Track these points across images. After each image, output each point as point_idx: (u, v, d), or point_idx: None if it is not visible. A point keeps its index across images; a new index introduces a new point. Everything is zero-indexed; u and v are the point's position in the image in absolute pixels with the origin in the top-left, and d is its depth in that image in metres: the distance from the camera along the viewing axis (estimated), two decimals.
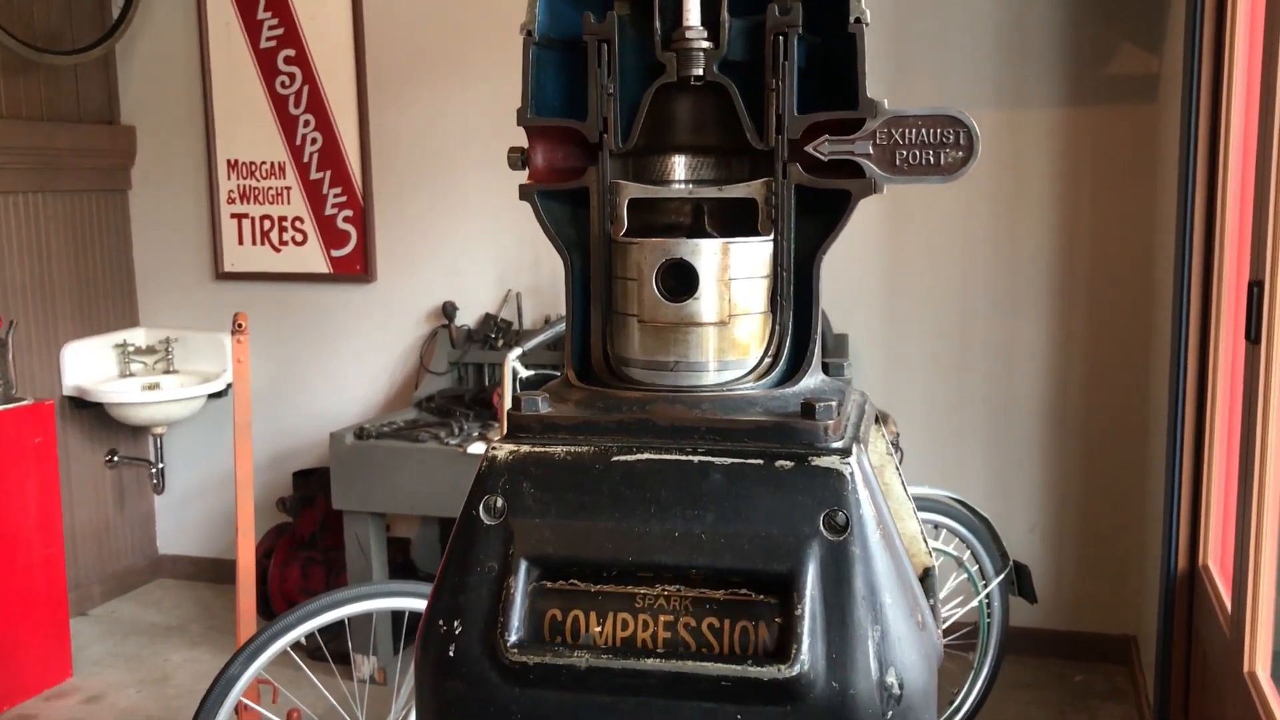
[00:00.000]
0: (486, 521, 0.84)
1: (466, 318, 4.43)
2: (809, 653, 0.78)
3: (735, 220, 0.93)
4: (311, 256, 4.66)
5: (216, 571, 4.80)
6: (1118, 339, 3.80)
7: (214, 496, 4.82)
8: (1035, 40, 3.69)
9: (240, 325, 3.12)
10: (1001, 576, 3.12)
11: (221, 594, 4.63)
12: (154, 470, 4.75)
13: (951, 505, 3.06)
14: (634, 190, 0.92)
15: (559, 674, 0.80)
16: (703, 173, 0.94)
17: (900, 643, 0.79)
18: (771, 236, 0.90)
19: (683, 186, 0.96)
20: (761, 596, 0.78)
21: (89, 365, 4.59)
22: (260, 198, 4.69)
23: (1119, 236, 3.75)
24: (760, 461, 0.82)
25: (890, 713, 0.78)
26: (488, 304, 4.43)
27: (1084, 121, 3.72)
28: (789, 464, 0.82)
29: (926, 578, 0.96)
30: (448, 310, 4.41)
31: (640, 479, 0.83)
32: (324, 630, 2.70)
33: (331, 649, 2.97)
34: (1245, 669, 2.29)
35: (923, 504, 2.98)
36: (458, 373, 4.32)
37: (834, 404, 0.84)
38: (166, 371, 4.74)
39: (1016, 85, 3.74)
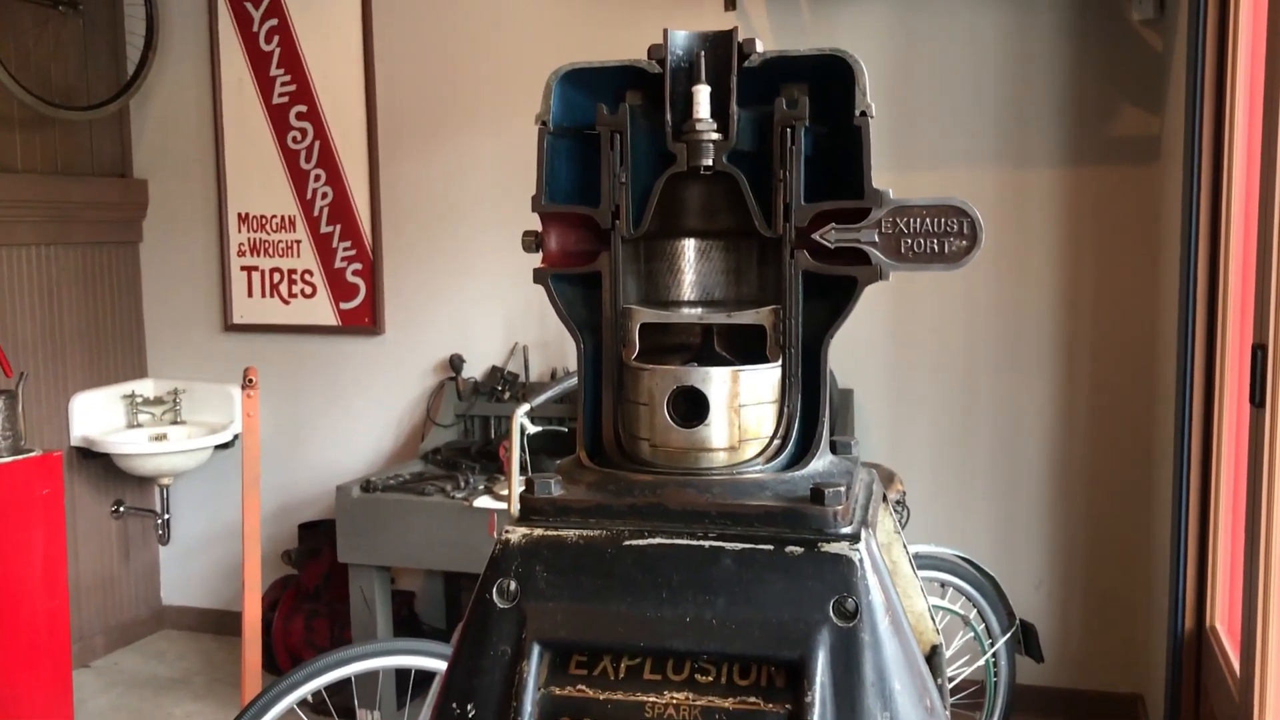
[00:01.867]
0: (500, 605, 0.86)
1: (473, 370, 4.46)
2: None
3: (744, 340, 0.96)
4: (320, 309, 4.70)
5: (221, 623, 4.79)
6: (1122, 398, 3.82)
7: (219, 548, 4.82)
8: (1037, 101, 3.74)
9: (251, 380, 3.14)
10: (1008, 635, 3.11)
11: (226, 646, 4.62)
12: (159, 521, 4.76)
13: (958, 563, 3.06)
14: (646, 315, 0.95)
15: None
16: (712, 263, 0.97)
17: None
18: (780, 362, 0.93)
19: (693, 311, 0.99)
20: (770, 705, 0.79)
21: (97, 416, 4.61)
22: (270, 250, 4.74)
23: (1122, 296, 3.77)
24: (770, 547, 0.84)
25: None
26: (494, 357, 4.46)
27: (1086, 181, 3.76)
28: (798, 550, 0.83)
29: (934, 656, 0.97)
30: (455, 363, 4.44)
31: (652, 563, 0.85)
32: (329, 687, 2.69)
33: (335, 703, 2.97)
34: None
35: (929, 562, 2.98)
36: (464, 425, 4.34)
37: (842, 489, 0.85)
38: (174, 422, 4.76)
39: (1019, 145, 3.78)
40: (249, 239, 4.75)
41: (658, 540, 0.85)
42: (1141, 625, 3.80)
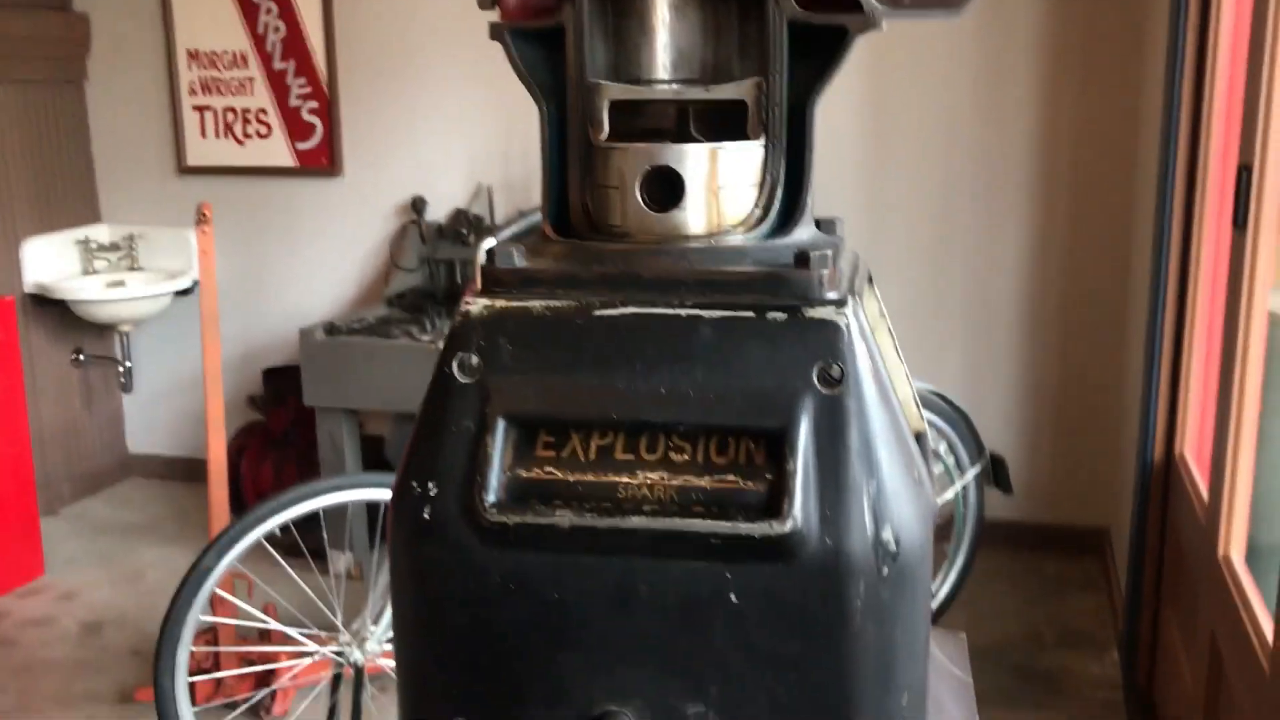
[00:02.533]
0: (461, 380, 0.80)
1: (437, 213, 4.35)
2: (801, 509, 0.75)
3: (724, 123, 0.88)
4: (277, 150, 4.55)
5: (189, 471, 4.77)
6: (1099, 230, 3.78)
7: (184, 396, 4.76)
8: None
9: (205, 215, 3.03)
10: (978, 468, 3.13)
11: (194, 494, 4.61)
12: (121, 369, 4.68)
13: (928, 397, 3.05)
14: (616, 91, 0.87)
15: (540, 534, 0.77)
16: (688, 22, 0.88)
17: (896, 498, 0.76)
18: (763, 141, 0.85)
19: (667, 87, 0.90)
20: (750, 483, 0.75)
21: (51, 262, 4.48)
22: (222, 89, 4.55)
23: (1104, 127, 3.69)
24: (751, 314, 0.78)
25: (886, 569, 0.75)
26: (458, 199, 4.34)
27: (1072, 3, 3.64)
28: (781, 316, 0.78)
29: (920, 440, 0.93)
30: (417, 205, 4.32)
31: (625, 334, 0.79)
32: (299, 526, 2.68)
33: (307, 544, 2.96)
34: (1220, 553, 2.30)
35: None
36: (429, 269, 4.25)
37: (829, 254, 0.79)
38: (131, 269, 4.65)
39: None
40: (199, 77, 4.56)
41: (631, 310, 0.79)
42: (1109, 459, 3.85)
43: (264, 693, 3.01)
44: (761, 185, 0.86)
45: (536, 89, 0.88)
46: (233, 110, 4.53)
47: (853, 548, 0.74)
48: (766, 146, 0.86)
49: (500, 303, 0.81)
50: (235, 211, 4.53)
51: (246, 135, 4.54)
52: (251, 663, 3.03)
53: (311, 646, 2.71)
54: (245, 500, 4.10)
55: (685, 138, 0.91)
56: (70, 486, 4.61)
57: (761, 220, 0.86)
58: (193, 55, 4.52)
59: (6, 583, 3.87)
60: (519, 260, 0.82)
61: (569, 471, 0.79)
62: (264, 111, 4.50)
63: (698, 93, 0.89)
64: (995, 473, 3.17)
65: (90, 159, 4.68)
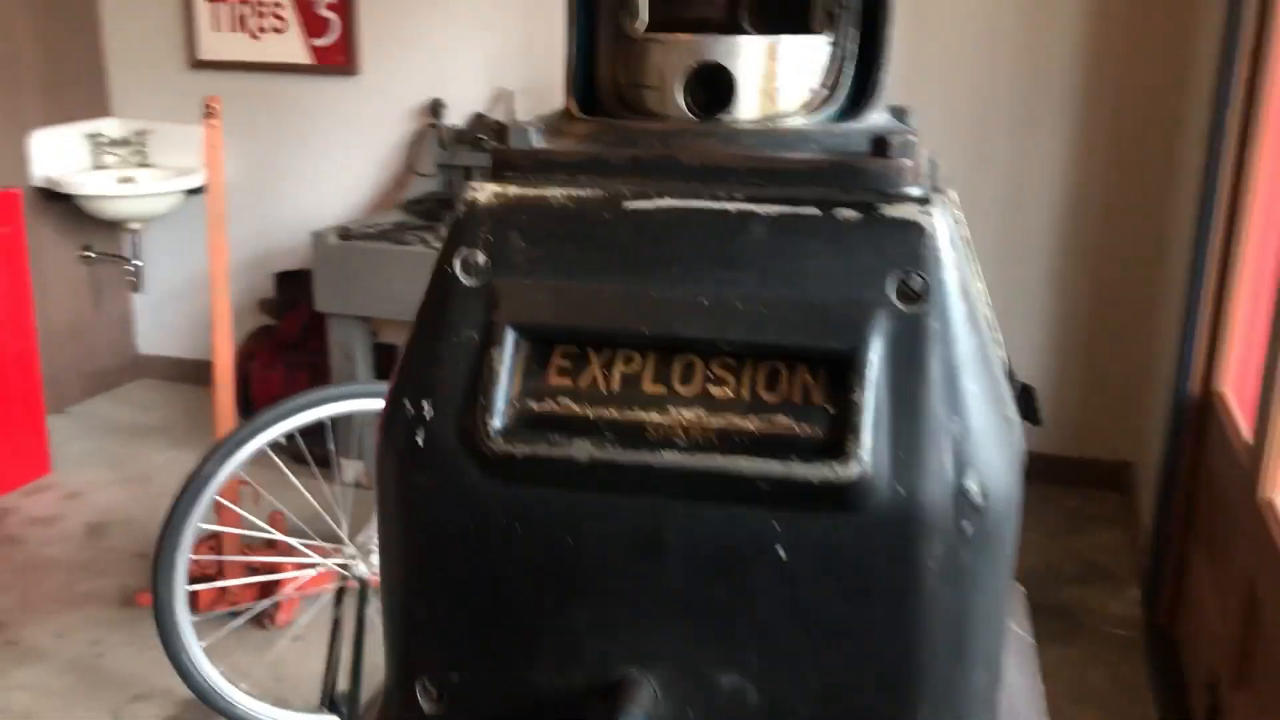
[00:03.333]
0: (465, 281, 0.67)
1: (455, 117, 4.17)
2: (870, 450, 0.62)
3: (780, 14, 0.72)
4: (292, 46, 4.36)
5: (199, 374, 4.66)
6: (1142, 148, 3.58)
7: (195, 298, 4.64)
8: None
9: (212, 109, 2.88)
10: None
11: (205, 397, 4.50)
12: (130, 267, 4.57)
13: None
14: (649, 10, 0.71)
15: (553, 468, 0.64)
16: None
17: (984, 440, 0.63)
18: (831, 37, 0.69)
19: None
20: (805, 427, 0.61)
21: (59, 155, 4.34)
22: None
23: (1155, 34, 3.47)
24: (816, 211, 0.64)
25: (968, 525, 0.62)
26: (478, 103, 4.16)
27: None
28: (853, 214, 0.64)
29: (1028, 399, 0.79)
30: (435, 108, 4.15)
31: (660, 231, 0.65)
32: (309, 434, 2.57)
33: (315, 454, 2.86)
34: (1261, 496, 2.18)
35: None
36: (446, 175, 4.09)
37: (912, 140, 0.65)
38: (141, 165, 4.51)
39: None
40: None
41: (668, 202, 0.65)
42: (1138, 392, 3.71)
43: (267, 603, 2.93)
44: (830, 60, 0.72)
45: None
46: (247, 3, 4.34)
47: (930, 498, 0.61)
48: (834, 11, 0.71)
49: (513, 190, 0.67)
50: (248, 109, 4.36)
51: (261, 29, 4.36)
52: (255, 571, 2.96)
53: (315, 558, 2.62)
54: (254, 406, 4.00)
55: (735, 29, 0.76)
56: (79, 385, 4.52)
57: (828, 100, 0.71)
58: None
59: (12, 480, 3.80)
60: (536, 140, 0.68)
61: (586, 405, 0.66)
62: (279, 4, 4.31)
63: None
64: (1024, 402, 3.06)
65: (101, 50, 4.51)
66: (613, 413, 0.65)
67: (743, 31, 0.75)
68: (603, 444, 0.64)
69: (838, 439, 0.62)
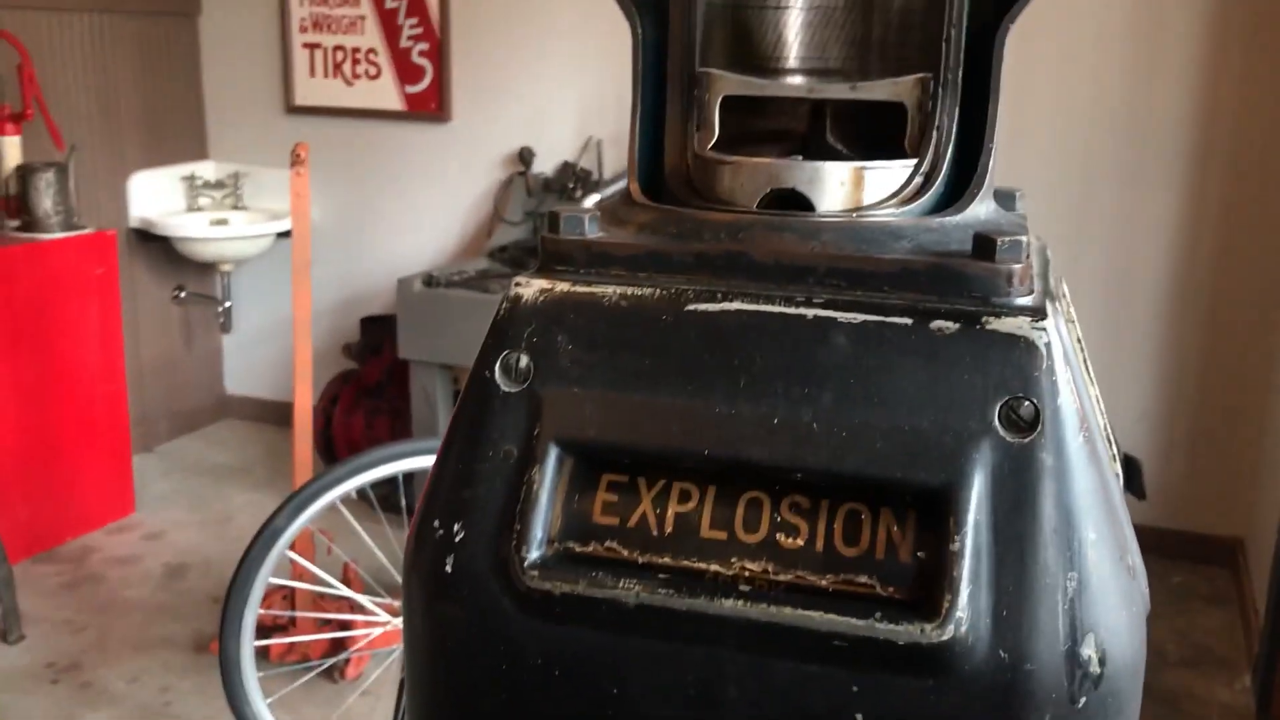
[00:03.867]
0: (505, 388, 0.59)
1: (544, 165, 4.15)
2: (969, 607, 0.52)
3: (871, 126, 0.63)
4: (385, 92, 4.40)
5: (284, 415, 4.69)
6: (1256, 213, 3.40)
7: (283, 339, 4.68)
8: None
9: (299, 157, 2.89)
10: None
11: (289, 439, 4.52)
12: (221, 308, 4.62)
13: None
14: (731, 85, 0.63)
15: (597, 609, 0.56)
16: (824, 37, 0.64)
17: (1103, 597, 0.53)
18: (925, 161, 0.60)
19: (800, 81, 0.66)
20: (889, 590, 0.52)
21: (156, 197, 4.43)
22: (333, 27, 4.42)
23: (1269, 96, 3.30)
24: (907, 320, 0.55)
25: (1084, 697, 0.52)
26: (567, 151, 4.14)
27: None
28: (951, 326, 0.55)
29: (1131, 471, 0.69)
30: (524, 156, 4.14)
31: (726, 338, 0.57)
32: (387, 482, 2.54)
33: (393, 502, 2.83)
34: None
35: None
36: (533, 223, 4.06)
37: (1023, 240, 0.56)
38: (235, 207, 4.57)
39: None
40: (310, 14, 4.43)
41: (736, 305, 0.57)
42: (1248, 463, 3.50)
43: (338, 658, 2.89)
44: (925, 142, 0.63)
45: (629, 3, 0.66)
46: (342, 49, 4.40)
47: (1038, 665, 0.52)
48: (936, 85, 0.63)
49: (562, 286, 0.59)
50: (341, 153, 4.40)
51: (355, 75, 4.41)
52: (326, 625, 2.92)
53: (384, 616, 2.57)
54: (335, 450, 4.00)
55: (820, 149, 0.68)
56: (167, 424, 4.58)
57: (924, 189, 0.62)
58: None
59: (97, 518, 3.84)
60: (591, 229, 0.61)
61: (636, 550, 0.58)
62: (374, 52, 4.36)
63: (839, 88, 0.65)
64: (1128, 475, 2.91)
65: (200, 94, 4.60)
66: (665, 559, 0.56)
67: (828, 149, 0.67)
68: (653, 587, 0.55)
69: (929, 593, 0.53)
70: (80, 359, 3.76)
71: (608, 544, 0.57)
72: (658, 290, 0.58)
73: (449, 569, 0.59)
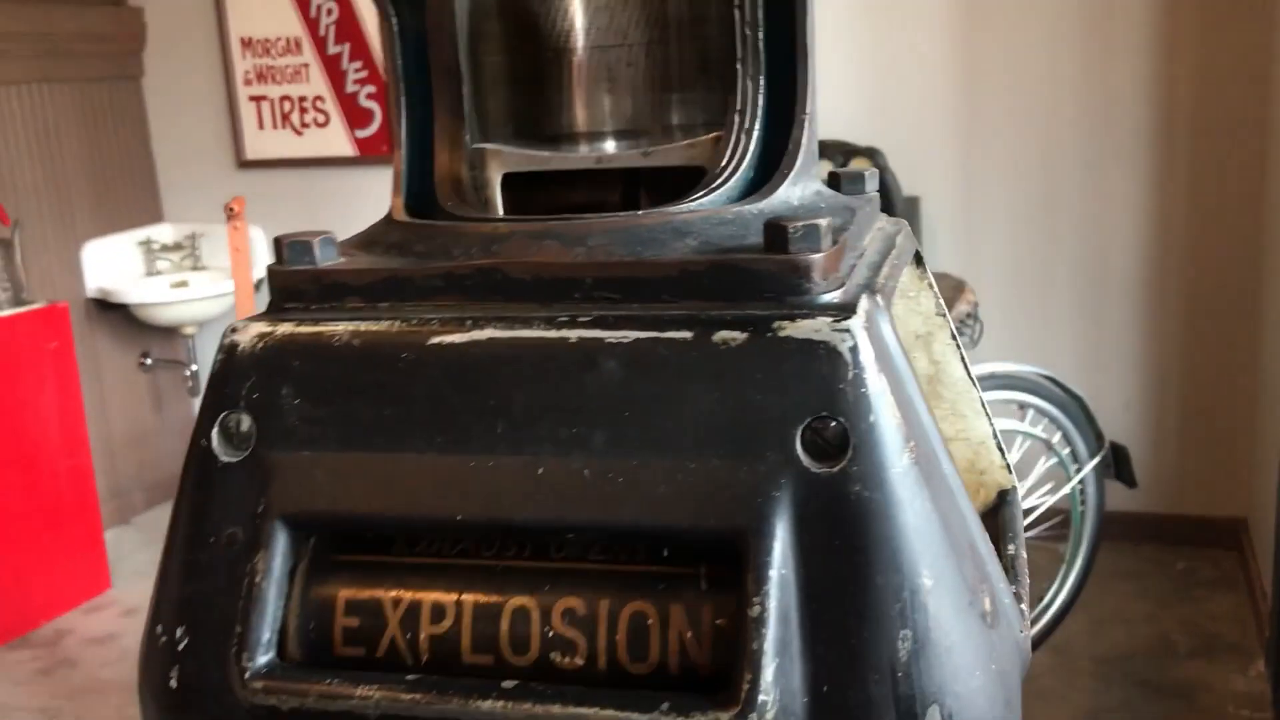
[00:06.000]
0: (224, 458, 0.49)
1: None
2: (776, 687, 0.41)
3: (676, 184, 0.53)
4: (335, 139, 4.33)
5: None
6: (1228, 187, 3.29)
7: None
8: None
9: (233, 210, 2.80)
10: (1097, 459, 2.74)
11: None
12: (189, 371, 4.53)
13: (1039, 381, 2.66)
14: (512, 162, 0.53)
15: None
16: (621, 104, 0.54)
17: (950, 657, 0.42)
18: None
19: (588, 150, 0.56)
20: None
21: (112, 264, 4.34)
22: (278, 77, 4.36)
23: (1232, 66, 3.21)
24: (686, 334, 0.44)
25: None
26: None
27: None
28: (738, 336, 0.44)
29: (1003, 506, 0.58)
30: None
31: (479, 375, 0.46)
32: None
33: None
34: None
35: (1005, 381, 2.58)
36: None
37: (822, 224, 0.46)
38: (195, 268, 4.48)
39: None
40: (254, 65, 4.36)
41: (489, 333, 0.46)
42: (1245, 442, 3.38)
43: None
44: (729, 125, 0.53)
45: None
46: (289, 99, 4.32)
47: None
48: (738, 68, 0.53)
49: (285, 328, 0.48)
50: (296, 204, 4.31)
51: (305, 124, 4.33)
52: None
53: None
54: None
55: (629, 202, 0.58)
56: (143, 494, 4.47)
57: (726, 175, 0.52)
58: (246, 43, 4.32)
59: (71, 598, 3.73)
60: (325, 256, 0.50)
61: (373, 648, 0.47)
62: (320, 99, 4.28)
63: (631, 157, 0.55)
64: (1116, 464, 2.81)
65: (150, 156, 4.52)
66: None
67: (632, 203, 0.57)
68: (397, 693, 0.45)
69: (726, 669, 0.42)
70: (40, 436, 3.66)
71: (348, 646, 0.46)
72: (396, 323, 0.48)
73: (174, 683, 0.48)
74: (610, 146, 0.57)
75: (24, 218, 3.85)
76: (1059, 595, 2.90)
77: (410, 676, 0.45)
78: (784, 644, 0.41)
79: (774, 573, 0.42)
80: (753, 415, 0.44)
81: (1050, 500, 2.78)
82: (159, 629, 0.49)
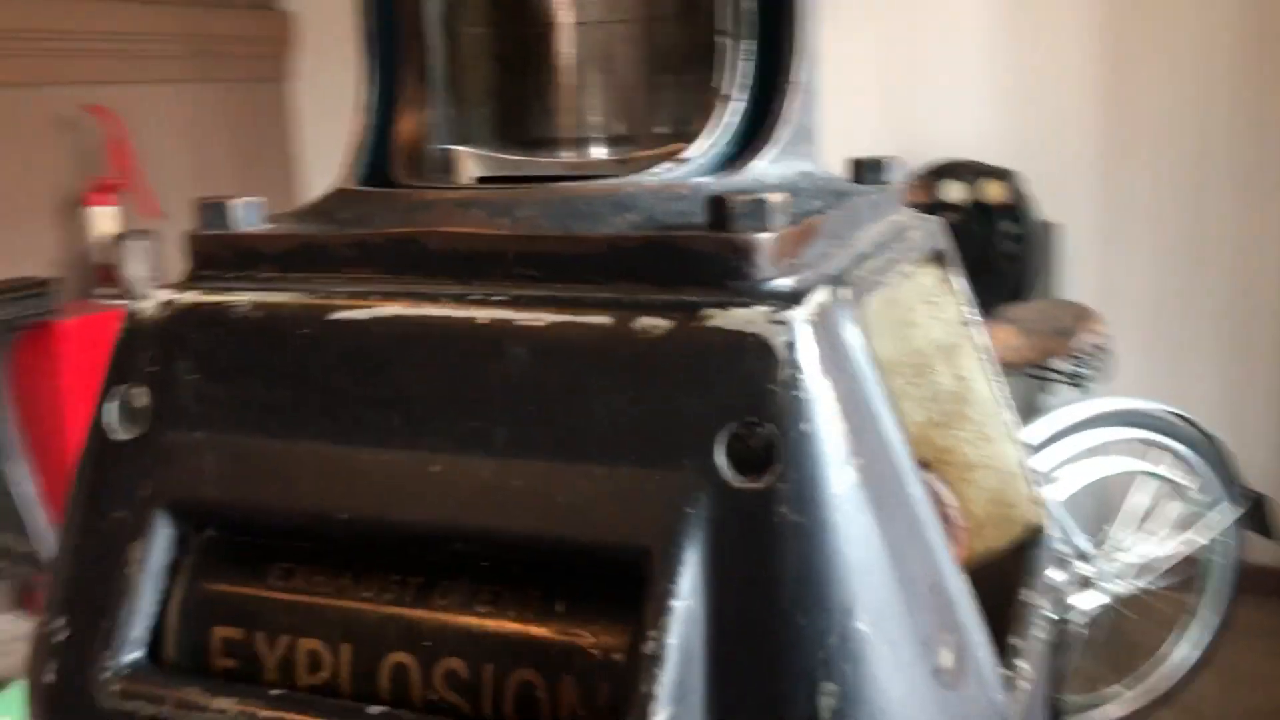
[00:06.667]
0: (118, 435, 0.45)
1: None
2: None
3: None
4: None
5: None
6: None
7: None
8: None
9: None
10: (1234, 507, 2.57)
11: None
12: None
13: (1172, 421, 2.49)
14: (475, 166, 0.48)
15: None
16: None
17: (885, 717, 0.35)
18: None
19: (568, 155, 0.51)
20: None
21: None
22: None
23: None
24: (605, 320, 0.38)
25: None
26: None
27: None
28: (660, 324, 0.38)
29: (1030, 546, 0.50)
30: None
31: (376, 357, 0.41)
32: None
33: None
34: None
35: (1133, 419, 2.43)
36: None
37: (771, 199, 0.39)
38: None
39: None
40: None
41: (392, 310, 0.41)
42: None
43: None
44: (714, 93, 0.47)
45: None
46: None
47: None
48: (723, 36, 0.46)
49: (189, 296, 0.44)
50: None
51: None
52: None
53: None
54: None
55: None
56: None
57: (699, 147, 0.46)
58: None
59: None
60: (245, 220, 0.46)
61: (249, 659, 0.42)
62: None
63: (610, 165, 0.50)
64: (1256, 514, 2.63)
65: (288, 159, 4.65)
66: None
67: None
68: (256, 707, 0.39)
69: (625, 713, 0.36)
70: None
71: (225, 658, 0.41)
72: (301, 296, 0.43)
73: (49, 677, 0.44)
74: (592, 151, 0.51)
75: (172, 212, 4.01)
76: (1183, 650, 2.71)
77: (274, 691, 0.40)
78: (682, 689, 0.35)
79: (678, 603, 0.35)
80: (671, 417, 0.37)
81: (1183, 549, 2.61)
82: (45, 619, 0.46)
